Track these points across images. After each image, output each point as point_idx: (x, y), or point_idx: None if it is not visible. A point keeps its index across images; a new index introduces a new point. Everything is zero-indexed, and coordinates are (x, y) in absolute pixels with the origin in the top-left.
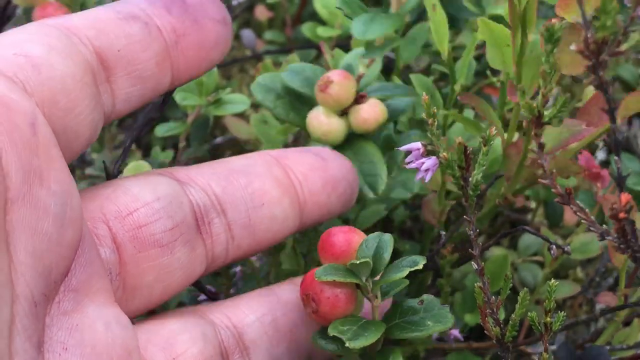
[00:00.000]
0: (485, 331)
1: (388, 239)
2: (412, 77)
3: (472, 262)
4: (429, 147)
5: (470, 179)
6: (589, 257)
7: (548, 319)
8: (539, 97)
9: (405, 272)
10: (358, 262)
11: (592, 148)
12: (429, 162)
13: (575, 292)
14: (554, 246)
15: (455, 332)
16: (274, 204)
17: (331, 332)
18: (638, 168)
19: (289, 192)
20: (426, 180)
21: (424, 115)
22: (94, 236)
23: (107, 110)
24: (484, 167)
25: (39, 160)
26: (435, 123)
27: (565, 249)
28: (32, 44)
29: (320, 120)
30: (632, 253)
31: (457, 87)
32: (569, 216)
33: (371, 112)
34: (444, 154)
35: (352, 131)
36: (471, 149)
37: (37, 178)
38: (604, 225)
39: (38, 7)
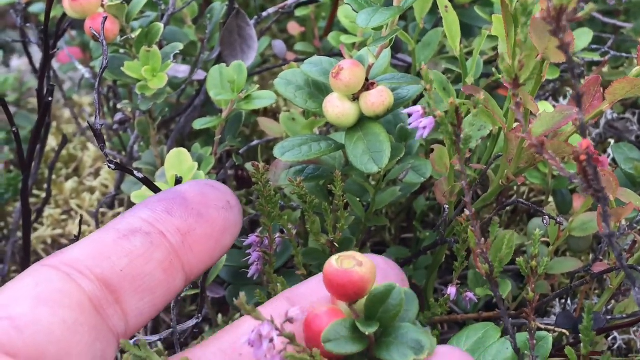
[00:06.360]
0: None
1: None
2: (429, 72)
3: (465, 209)
4: (427, 110)
5: (461, 135)
6: (587, 234)
7: (534, 263)
8: (516, 62)
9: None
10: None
11: (604, 147)
12: (426, 120)
13: (577, 267)
14: (547, 216)
15: (470, 295)
16: None
17: None
18: (636, 156)
19: None
20: (424, 136)
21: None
22: None
23: (119, 331)
24: (474, 126)
25: None
26: (433, 89)
27: (558, 220)
28: (18, 303)
29: (334, 104)
30: (594, 192)
31: (469, 80)
32: (577, 204)
33: (379, 97)
34: (439, 112)
35: (363, 114)
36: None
37: None
38: None
39: (89, 18)
